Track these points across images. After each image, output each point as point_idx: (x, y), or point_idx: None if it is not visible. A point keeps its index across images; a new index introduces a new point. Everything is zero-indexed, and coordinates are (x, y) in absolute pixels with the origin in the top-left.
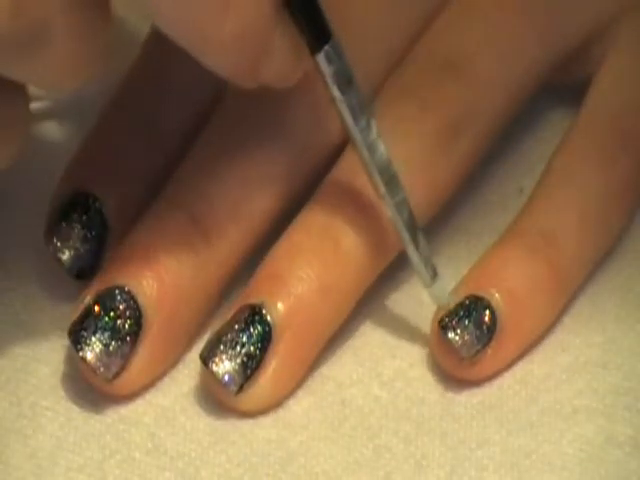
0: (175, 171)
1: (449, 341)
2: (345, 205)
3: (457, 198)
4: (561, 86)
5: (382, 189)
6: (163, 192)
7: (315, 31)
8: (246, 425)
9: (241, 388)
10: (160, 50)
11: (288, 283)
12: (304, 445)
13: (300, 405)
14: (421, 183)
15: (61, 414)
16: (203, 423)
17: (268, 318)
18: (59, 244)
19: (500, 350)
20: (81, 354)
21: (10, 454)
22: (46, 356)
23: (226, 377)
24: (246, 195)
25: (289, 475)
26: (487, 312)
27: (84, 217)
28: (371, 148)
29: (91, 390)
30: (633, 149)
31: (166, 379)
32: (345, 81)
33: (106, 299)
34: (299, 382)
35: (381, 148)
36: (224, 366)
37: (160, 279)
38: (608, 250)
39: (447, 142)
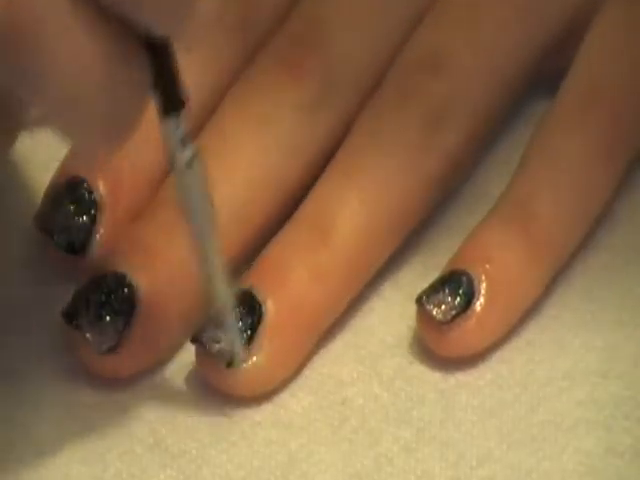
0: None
1: (425, 310)
2: (335, 197)
3: (455, 194)
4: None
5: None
6: (160, 190)
7: (171, 98)
8: (247, 425)
9: (232, 362)
10: None
11: (279, 271)
12: (305, 448)
13: (300, 404)
14: (411, 177)
15: (62, 404)
16: (203, 422)
17: (259, 299)
18: (50, 220)
19: (484, 320)
20: (75, 322)
21: (11, 446)
22: (46, 346)
23: (216, 347)
24: (243, 196)
25: None
26: (463, 279)
27: (74, 196)
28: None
29: (92, 381)
30: (608, 106)
31: (166, 380)
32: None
33: (100, 281)
34: (299, 379)
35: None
36: (215, 339)
37: (152, 264)
38: (599, 211)
39: (431, 134)
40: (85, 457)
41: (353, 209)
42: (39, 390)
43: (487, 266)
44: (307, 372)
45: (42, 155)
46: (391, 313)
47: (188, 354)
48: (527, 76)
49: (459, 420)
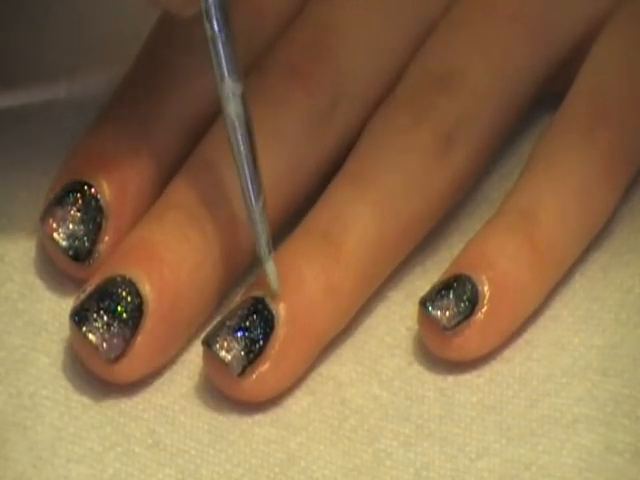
0: (179, 170)
1: (430, 315)
2: (348, 210)
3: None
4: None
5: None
6: (165, 192)
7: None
8: (245, 424)
9: (243, 372)
10: (163, 46)
11: (291, 281)
12: (304, 447)
13: (299, 405)
14: (421, 193)
15: (61, 404)
16: (202, 422)
17: (271, 308)
18: (54, 225)
19: (487, 327)
20: (84, 329)
21: (10, 447)
22: (45, 347)
23: (229, 357)
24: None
25: (289, 479)
26: (468, 285)
27: (79, 201)
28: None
29: (91, 381)
30: (612, 122)
31: (165, 380)
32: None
33: (108, 286)
34: (299, 379)
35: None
36: (228, 348)
37: (160, 271)
38: (601, 225)
39: (442, 154)
40: (84, 457)
41: (366, 224)
42: (38, 390)
43: (491, 273)
44: (306, 372)
45: (44, 157)
46: (390, 313)
47: (187, 353)
48: (537, 94)
49: (458, 416)
